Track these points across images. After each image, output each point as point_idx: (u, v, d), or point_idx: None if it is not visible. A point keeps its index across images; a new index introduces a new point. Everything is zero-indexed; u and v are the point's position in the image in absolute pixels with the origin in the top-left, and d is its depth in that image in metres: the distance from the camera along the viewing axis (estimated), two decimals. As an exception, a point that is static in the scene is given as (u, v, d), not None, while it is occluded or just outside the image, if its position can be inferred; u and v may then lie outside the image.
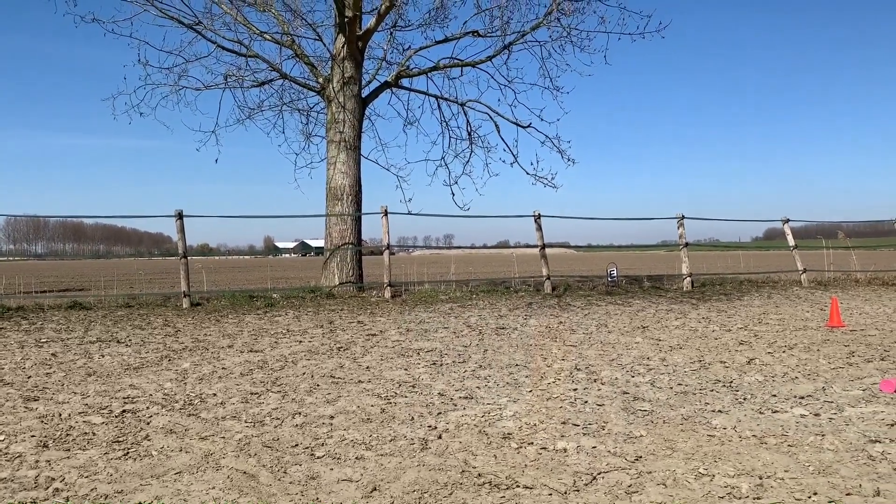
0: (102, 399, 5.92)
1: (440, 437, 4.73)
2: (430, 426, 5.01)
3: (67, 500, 3.64)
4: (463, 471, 4.04)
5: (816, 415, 5.20)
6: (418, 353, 8.18)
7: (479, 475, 3.96)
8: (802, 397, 5.78)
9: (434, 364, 7.48)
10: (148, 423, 5.14)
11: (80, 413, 5.44)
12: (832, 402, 5.60)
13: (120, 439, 4.73)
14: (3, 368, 7.34)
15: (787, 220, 19.55)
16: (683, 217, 18.02)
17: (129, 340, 9.30)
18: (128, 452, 4.44)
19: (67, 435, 4.82)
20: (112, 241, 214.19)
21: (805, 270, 18.80)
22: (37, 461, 4.27)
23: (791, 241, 19.42)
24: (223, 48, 16.06)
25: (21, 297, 12.56)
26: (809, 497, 3.57)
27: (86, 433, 4.87)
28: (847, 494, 3.60)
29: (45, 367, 7.42)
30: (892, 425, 4.87)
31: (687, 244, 17.94)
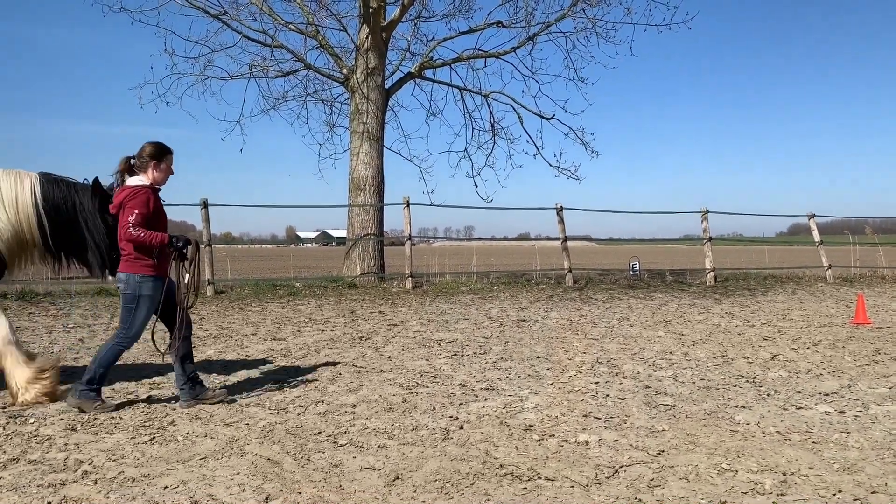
0: (129, 384, 6.01)
1: (462, 428, 4.75)
2: (451, 416, 5.03)
3: (96, 483, 3.71)
4: (484, 461, 4.06)
5: (841, 412, 5.16)
6: (439, 344, 8.21)
7: (501, 466, 3.98)
8: (827, 394, 5.73)
9: (455, 355, 7.50)
10: (173, 409, 5.21)
11: (107, 397, 5.52)
12: (857, 399, 5.55)
13: (146, 424, 4.80)
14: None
15: (813, 216, 19.30)
16: (708, 211, 17.85)
17: (155, 327, 9.39)
18: (154, 437, 4.51)
19: (95, 419, 4.90)
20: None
21: (830, 266, 18.56)
22: (66, 444, 4.36)
23: (817, 236, 19.17)
24: (248, 38, 16.14)
25: (49, 283, 12.76)
26: (834, 495, 3.54)
27: (113, 418, 4.95)
28: (872, 493, 3.57)
29: (73, 352, 7.54)
30: (919, 424, 4.81)
31: (710, 238, 17.79)
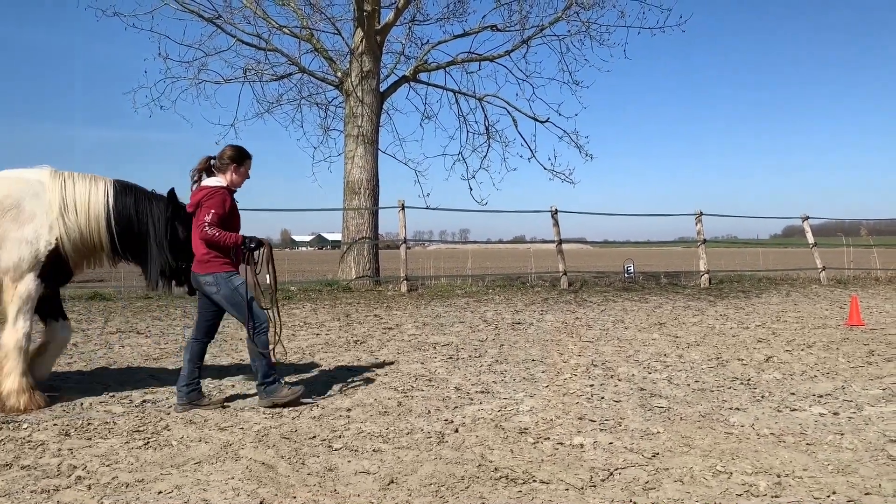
0: (123, 389, 5.99)
1: (457, 431, 4.74)
2: (446, 420, 5.03)
3: (89, 488, 3.70)
4: (479, 465, 4.06)
5: (835, 414, 5.17)
6: (435, 347, 8.20)
7: (496, 469, 3.97)
8: (821, 396, 5.74)
9: (450, 358, 7.50)
10: (168, 414, 5.20)
11: (100, 403, 5.51)
12: (851, 401, 5.56)
13: (140, 429, 4.79)
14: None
15: (807, 218, 19.36)
16: (702, 214, 17.90)
17: (149, 331, 9.39)
18: (148, 442, 4.49)
19: (89, 424, 4.88)
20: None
21: (824, 268, 18.62)
22: (59, 449, 4.34)
23: (811, 238, 19.24)
24: (243, 42, 16.12)
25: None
26: (828, 496, 3.55)
27: (107, 422, 4.93)
28: (866, 494, 3.58)
29: (66, 356, 7.51)
30: (913, 425, 4.83)
31: (705, 241, 17.83)
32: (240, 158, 5.40)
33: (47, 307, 5.64)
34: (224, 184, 5.33)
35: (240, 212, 5.53)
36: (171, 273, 5.72)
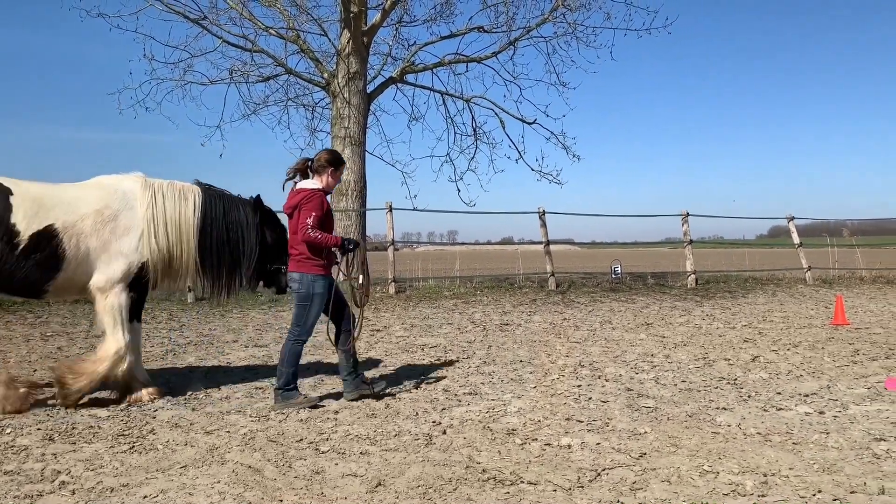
0: (108, 393, 5.93)
1: (444, 433, 4.73)
2: (434, 422, 5.02)
3: (73, 493, 3.66)
4: (467, 466, 4.05)
5: (821, 413, 5.20)
6: (423, 349, 8.19)
7: (484, 471, 3.97)
8: (807, 395, 5.78)
9: (439, 360, 7.49)
10: (153, 418, 5.16)
11: (85, 407, 5.46)
12: (837, 400, 5.60)
13: (125, 433, 4.75)
14: (9, 362, 7.37)
15: (793, 218, 19.48)
16: (688, 214, 17.97)
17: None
18: (133, 446, 4.46)
19: (73, 428, 4.84)
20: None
21: (810, 268, 18.75)
22: (43, 454, 4.30)
23: (796, 238, 19.36)
24: (229, 43, 16.03)
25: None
26: (814, 495, 3.57)
27: (91, 427, 4.89)
28: (852, 492, 3.60)
29: (51, 360, 7.44)
30: (897, 424, 4.86)
31: (691, 241, 17.91)
32: (336, 163, 5.62)
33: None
34: (320, 186, 5.53)
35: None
36: (260, 276, 6.04)
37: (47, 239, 5.22)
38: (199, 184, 5.93)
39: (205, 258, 5.74)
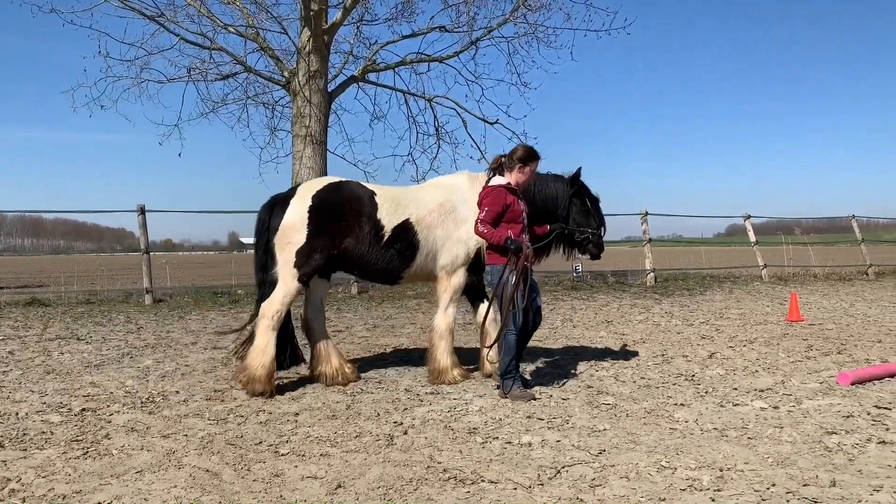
0: (61, 397, 5.79)
1: (406, 433, 4.72)
2: (396, 422, 5.00)
3: (24, 501, 3.56)
4: (428, 466, 4.04)
5: (776, 408, 5.31)
6: (385, 350, 8.15)
7: (445, 470, 3.97)
8: (762, 390, 5.89)
9: (401, 360, 7.47)
10: (108, 422, 5.05)
11: (37, 412, 5.32)
12: (791, 395, 5.72)
13: (79, 438, 4.64)
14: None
15: (749, 217, 19.88)
16: (647, 213, 18.22)
17: (90, 338, 9.12)
18: (87, 451, 4.35)
19: (24, 434, 4.71)
20: (73, 237, 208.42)
21: (766, 266, 19.14)
22: (-8, 461, 4.17)
23: (752, 237, 19.76)
24: (186, 41, 15.75)
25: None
26: (768, 489, 3.64)
27: (43, 432, 4.77)
28: (804, 485, 3.68)
29: (2, 364, 7.25)
30: (848, 417, 4.99)
31: (650, 240, 18.16)
32: (527, 159, 5.75)
33: (471, 293, 6.70)
34: (505, 182, 5.71)
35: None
36: (571, 243, 6.51)
37: (405, 231, 6.10)
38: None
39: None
